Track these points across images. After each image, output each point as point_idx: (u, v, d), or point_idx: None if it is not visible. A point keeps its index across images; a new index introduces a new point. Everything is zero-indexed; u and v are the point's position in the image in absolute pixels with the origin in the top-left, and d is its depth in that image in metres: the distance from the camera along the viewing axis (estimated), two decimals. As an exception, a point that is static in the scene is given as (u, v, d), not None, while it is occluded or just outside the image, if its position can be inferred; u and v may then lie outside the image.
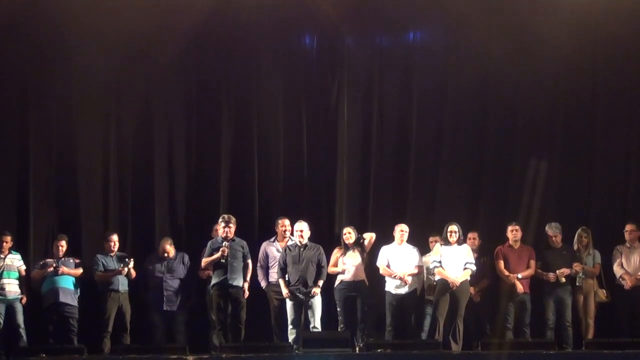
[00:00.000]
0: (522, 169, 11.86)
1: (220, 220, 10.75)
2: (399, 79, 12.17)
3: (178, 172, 11.94)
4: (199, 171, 11.98)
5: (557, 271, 10.87)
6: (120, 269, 10.82)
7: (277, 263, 10.92)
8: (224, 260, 10.46)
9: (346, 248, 10.92)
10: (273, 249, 11.13)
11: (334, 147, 12.05)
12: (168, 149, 11.93)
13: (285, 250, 10.85)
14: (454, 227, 10.77)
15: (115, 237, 11.01)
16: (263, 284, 11.02)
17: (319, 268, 10.75)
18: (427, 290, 11.11)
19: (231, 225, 10.64)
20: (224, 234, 10.60)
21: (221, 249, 10.49)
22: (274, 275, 10.99)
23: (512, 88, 12.06)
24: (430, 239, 11.20)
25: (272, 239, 11.20)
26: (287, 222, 11.08)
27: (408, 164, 12.06)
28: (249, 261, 10.83)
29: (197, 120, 11.98)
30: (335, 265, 11.00)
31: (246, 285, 10.69)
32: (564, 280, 10.85)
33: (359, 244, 10.94)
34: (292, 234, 11.06)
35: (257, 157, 11.94)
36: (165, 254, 11.04)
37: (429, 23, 12.17)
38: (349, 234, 11.00)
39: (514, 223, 11.24)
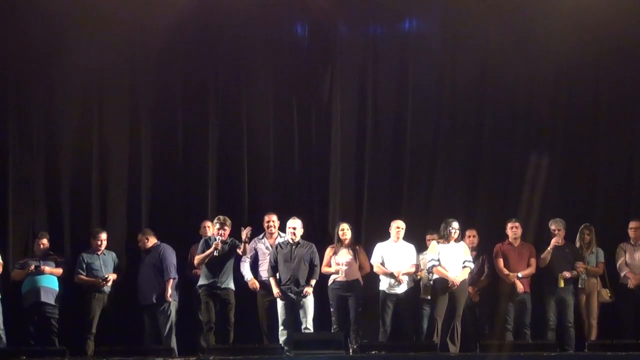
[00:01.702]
0: (522, 164, 11.72)
1: (215, 221, 10.60)
2: (394, 70, 11.99)
3: (164, 167, 11.74)
4: (185, 166, 11.79)
5: (559, 274, 10.74)
6: (100, 281, 10.68)
7: (266, 260, 10.77)
8: (217, 254, 10.34)
9: (340, 245, 10.77)
10: (262, 246, 10.98)
11: (327, 141, 11.88)
12: (153, 143, 11.72)
13: (276, 248, 10.71)
14: (456, 224, 10.54)
15: (104, 236, 10.81)
16: (248, 276, 10.80)
17: (312, 267, 10.62)
18: (423, 290, 10.96)
19: (226, 227, 10.51)
20: (218, 235, 10.49)
21: (214, 244, 10.38)
22: (263, 273, 10.83)
23: (512, 80, 11.90)
24: (428, 237, 11.06)
25: (261, 236, 11.04)
26: (274, 217, 10.94)
27: (404, 159, 11.90)
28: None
29: (183, 112, 11.78)
30: (329, 264, 10.84)
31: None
32: (562, 285, 10.75)
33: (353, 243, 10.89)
34: (279, 229, 10.94)
35: (246, 151, 11.76)
36: (139, 244, 10.91)
37: (425, 11, 11.97)
38: (346, 231, 10.82)
39: (514, 220, 11.08)
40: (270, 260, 10.67)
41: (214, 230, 10.53)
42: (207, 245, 10.54)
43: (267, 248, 10.91)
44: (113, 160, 11.63)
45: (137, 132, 11.67)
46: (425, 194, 11.88)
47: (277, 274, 10.60)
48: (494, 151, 11.91)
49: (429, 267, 10.62)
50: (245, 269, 10.81)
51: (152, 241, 10.88)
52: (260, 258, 10.91)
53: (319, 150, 11.90)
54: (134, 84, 11.70)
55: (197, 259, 10.58)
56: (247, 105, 11.82)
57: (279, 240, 10.88)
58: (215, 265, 10.47)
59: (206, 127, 11.78)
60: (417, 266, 10.86)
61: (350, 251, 10.77)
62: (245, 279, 10.81)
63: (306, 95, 11.93)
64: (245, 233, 10.33)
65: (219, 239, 10.41)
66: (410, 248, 10.89)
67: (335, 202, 11.77)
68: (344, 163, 11.86)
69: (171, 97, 11.76)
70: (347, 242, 10.78)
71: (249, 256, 10.81)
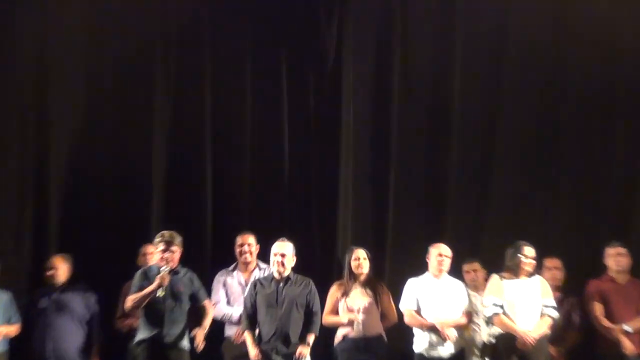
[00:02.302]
0: (624, 163, 9.61)
1: (157, 239, 8.29)
2: (433, 23, 9.87)
3: (83, 166, 9.57)
4: (116, 162, 9.62)
5: None
6: None
7: (239, 305, 8.70)
8: (162, 294, 8.04)
9: (352, 282, 8.67)
10: (234, 282, 8.83)
11: (333, 129, 9.79)
12: (67, 126, 9.51)
13: (254, 287, 8.43)
14: (529, 250, 8.59)
15: None
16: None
17: (309, 315, 8.41)
18: (481, 349, 8.87)
19: (174, 248, 8.21)
20: (163, 262, 8.14)
21: (157, 277, 8.06)
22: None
23: (608, 36, 9.58)
24: (466, 267, 9.21)
25: (231, 267, 8.94)
26: (250, 239, 8.95)
27: (446, 153, 9.80)
28: (206, 302, 8.49)
29: (115, 76, 9.56)
30: (335, 311, 8.72)
31: (201, 336, 8.39)
32: None
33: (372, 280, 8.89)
34: (258, 257, 8.93)
35: (209, 137, 9.65)
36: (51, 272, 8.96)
37: None
38: (361, 261, 8.78)
39: (617, 244, 9.03)
40: (245, 305, 8.40)
41: (157, 253, 8.24)
42: (147, 278, 8.15)
43: (239, 284, 8.80)
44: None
45: (45, 107, 9.44)
46: (478, 206, 9.83)
47: (256, 326, 8.34)
48: (578, 141, 9.74)
49: (488, 316, 8.57)
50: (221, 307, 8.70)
51: (67, 273, 8.89)
52: (230, 301, 8.73)
53: (320, 136, 9.80)
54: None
55: (130, 300, 8.16)
56: (212, 72, 9.70)
57: (258, 274, 8.77)
58: (159, 310, 8.10)
59: (149, 100, 9.62)
60: (471, 314, 8.81)
61: (369, 291, 8.74)
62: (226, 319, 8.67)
63: (302, 59, 9.85)
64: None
65: (164, 270, 7.98)
66: (460, 287, 8.86)
67: (345, 218, 9.74)
68: (358, 160, 9.84)
69: (101, 48, 9.62)
70: (363, 277, 8.74)
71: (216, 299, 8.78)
